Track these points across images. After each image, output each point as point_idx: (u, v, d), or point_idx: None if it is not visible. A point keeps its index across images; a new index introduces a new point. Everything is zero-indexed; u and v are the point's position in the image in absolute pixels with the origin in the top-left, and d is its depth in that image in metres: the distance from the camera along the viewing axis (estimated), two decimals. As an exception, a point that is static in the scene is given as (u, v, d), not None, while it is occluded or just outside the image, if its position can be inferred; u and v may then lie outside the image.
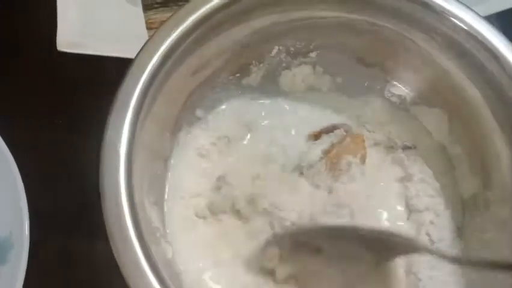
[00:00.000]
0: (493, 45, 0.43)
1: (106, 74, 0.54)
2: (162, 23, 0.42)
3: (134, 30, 0.54)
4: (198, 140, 0.49)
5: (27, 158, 0.48)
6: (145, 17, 0.56)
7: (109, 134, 0.38)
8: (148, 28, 0.55)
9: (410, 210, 0.49)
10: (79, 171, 0.45)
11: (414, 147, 0.51)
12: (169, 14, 0.43)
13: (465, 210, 0.49)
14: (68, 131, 0.53)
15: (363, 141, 0.49)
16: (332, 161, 0.47)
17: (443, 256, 0.44)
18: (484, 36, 0.43)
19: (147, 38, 0.51)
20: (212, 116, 0.50)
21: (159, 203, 0.45)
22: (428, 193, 0.49)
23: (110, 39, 0.53)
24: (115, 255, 0.36)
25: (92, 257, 0.46)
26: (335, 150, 0.48)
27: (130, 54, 0.41)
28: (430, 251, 0.45)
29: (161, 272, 0.36)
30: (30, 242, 0.45)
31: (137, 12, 0.56)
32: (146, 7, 0.57)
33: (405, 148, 0.51)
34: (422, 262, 0.46)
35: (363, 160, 0.49)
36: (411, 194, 0.49)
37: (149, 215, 0.41)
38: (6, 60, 0.56)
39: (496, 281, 0.43)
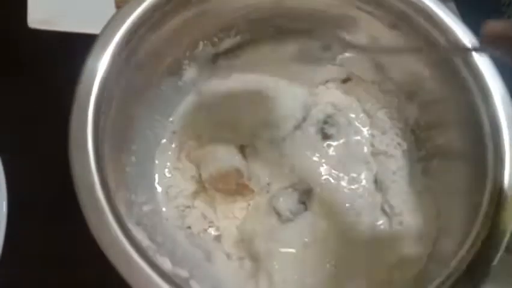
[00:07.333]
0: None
1: (76, 51, 0.55)
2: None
3: (104, 9, 0.54)
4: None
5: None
6: (114, -4, 0.57)
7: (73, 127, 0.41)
8: (117, 7, 0.55)
9: None
10: (55, 150, 0.46)
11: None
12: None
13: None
14: (39, 107, 0.54)
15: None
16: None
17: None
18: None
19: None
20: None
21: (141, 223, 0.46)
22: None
23: (80, 17, 0.54)
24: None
25: (71, 236, 0.47)
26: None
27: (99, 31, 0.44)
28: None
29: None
30: (8, 222, 0.46)
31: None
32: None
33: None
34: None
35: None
36: None
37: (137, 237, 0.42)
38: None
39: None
